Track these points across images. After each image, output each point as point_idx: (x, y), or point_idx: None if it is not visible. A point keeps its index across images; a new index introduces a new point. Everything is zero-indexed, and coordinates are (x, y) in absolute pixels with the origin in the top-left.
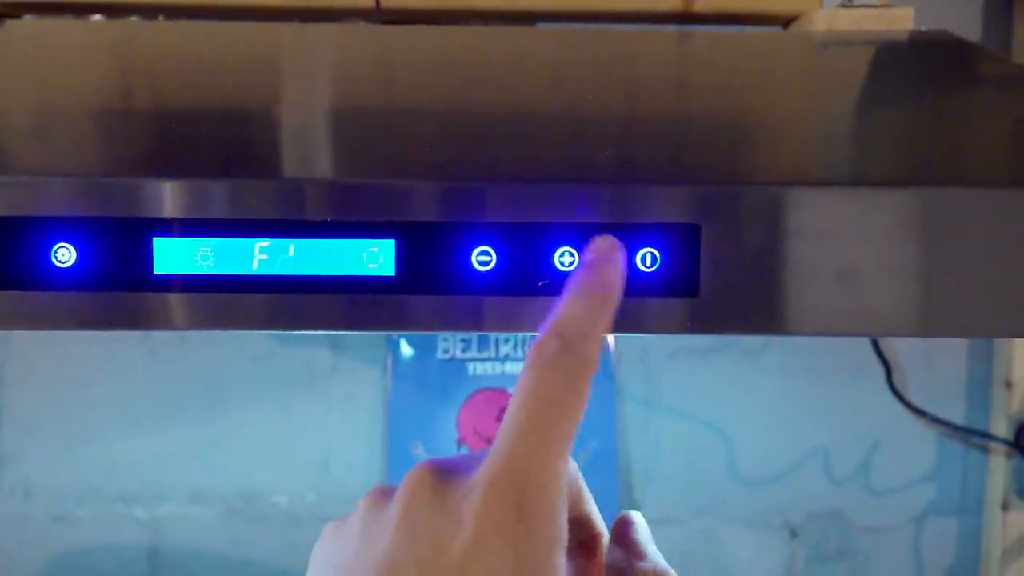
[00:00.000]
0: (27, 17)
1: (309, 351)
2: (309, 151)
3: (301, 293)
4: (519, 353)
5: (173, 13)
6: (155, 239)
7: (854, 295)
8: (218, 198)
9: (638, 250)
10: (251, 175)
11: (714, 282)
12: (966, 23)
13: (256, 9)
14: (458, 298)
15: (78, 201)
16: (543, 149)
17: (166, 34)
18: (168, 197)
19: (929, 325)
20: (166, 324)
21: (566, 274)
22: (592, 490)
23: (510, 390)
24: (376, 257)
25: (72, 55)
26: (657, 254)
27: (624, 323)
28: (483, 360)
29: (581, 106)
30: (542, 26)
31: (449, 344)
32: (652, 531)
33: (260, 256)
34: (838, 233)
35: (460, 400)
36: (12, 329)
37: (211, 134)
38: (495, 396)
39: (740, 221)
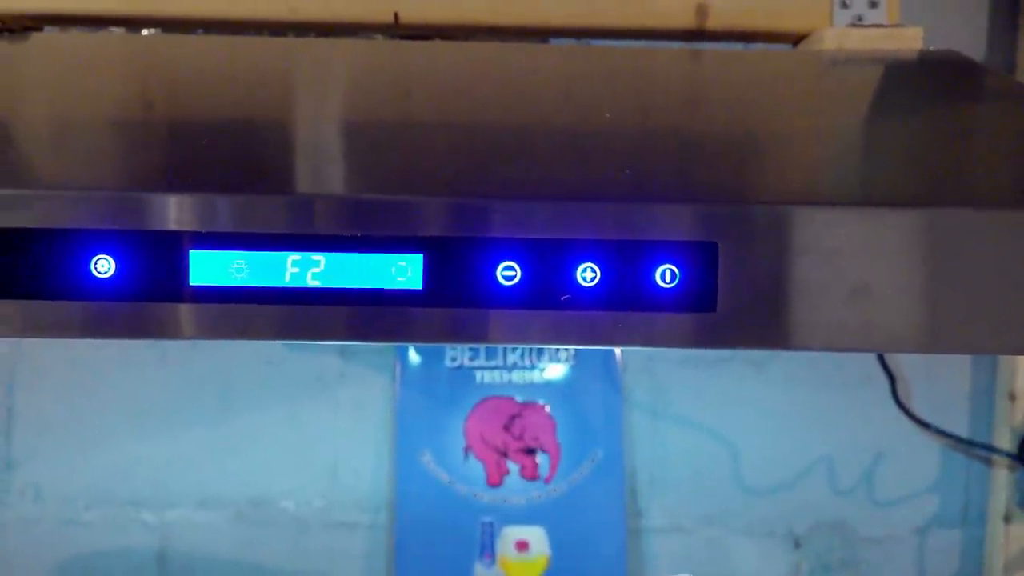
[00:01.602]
0: (48, 29)
1: (318, 357)
2: (334, 166)
3: (330, 305)
4: (526, 362)
5: (192, 26)
6: (192, 251)
7: (865, 312)
8: (251, 213)
9: (657, 266)
10: (281, 191)
11: (730, 298)
12: (973, 42)
13: (275, 23)
14: (482, 311)
15: (116, 214)
16: (561, 166)
17: (186, 47)
18: (203, 212)
19: (936, 342)
20: (200, 334)
21: (587, 289)
22: (598, 498)
23: (517, 398)
24: (404, 271)
25: (94, 68)
26: (676, 271)
27: (643, 338)
28: (491, 368)
29: (597, 122)
30: (555, 42)
31: (457, 352)
32: (657, 539)
33: (292, 269)
34: (850, 252)
35: (467, 408)
36: (52, 338)
37: (236, 149)
38: (502, 404)
39: (756, 239)
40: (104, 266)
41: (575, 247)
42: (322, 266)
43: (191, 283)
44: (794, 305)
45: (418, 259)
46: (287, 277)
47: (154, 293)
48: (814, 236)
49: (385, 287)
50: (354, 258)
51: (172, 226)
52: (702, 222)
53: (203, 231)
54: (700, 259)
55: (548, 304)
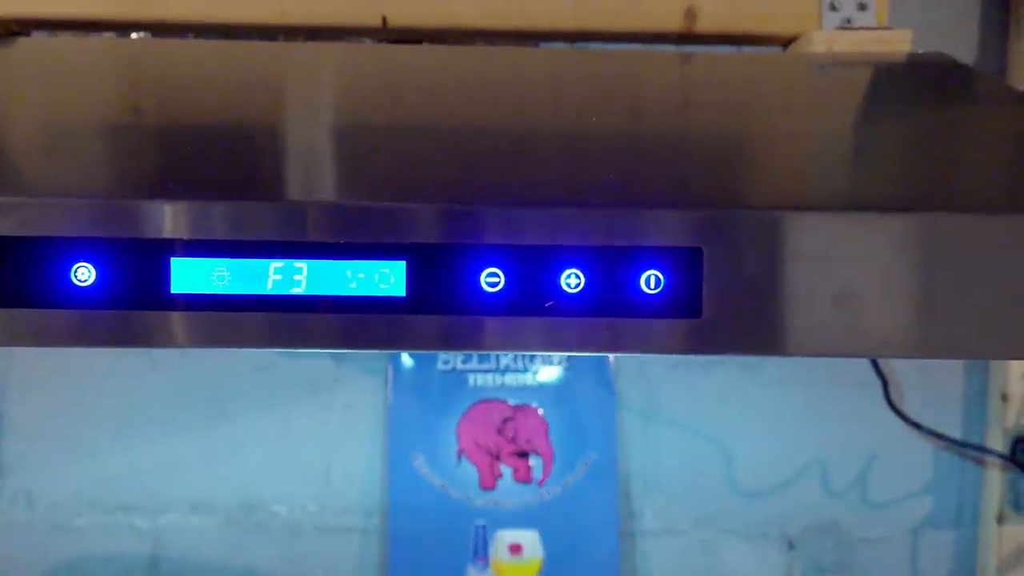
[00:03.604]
0: (37, 34)
1: (310, 362)
2: (319, 172)
3: (313, 312)
4: (519, 365)
5: (181, 30)
6: (173, 259)
7: (852, 317)
8: (234, 220)
9: (642, 273)
10: (264, 197)
11: (716, 304)
12: (963, 45)
13: (264, 28)
14: (466, 318)
15: (97, 222)
16: (548, 170)
17: (174, 52)
18: (185, 219)
19: (925, 347)
20: (182, 342)
21: (572, 295)
22: (591, 501)
23: (510, 401)
24: (387, 278)
25: (82, 73)
26: (661, 276)
27: (628, 344)
28: (483, 372)
29: (585, 126)
30: (545, 46)
31: (449, 355)
32: (651, 542)
33: (274, 276)
34: (837, 256)
35: (460, 411)
36: (32, 346)
37: (222, 153)
38: (495, 407)
39: (742, 244)
40: (84, 274)
41: (559, 253)
42: (305, 273)
43: (173, 291)
44: (781, 311)
45: (401, 266)
46: (269, 285)
47: (136, 301)
48: (800, 241)
49: (368, 294)
50: (337, 265)
51: (153, 233)
52: (686, 227)
53: (184, 238)
54: (685, 265)
55: (532, 311)
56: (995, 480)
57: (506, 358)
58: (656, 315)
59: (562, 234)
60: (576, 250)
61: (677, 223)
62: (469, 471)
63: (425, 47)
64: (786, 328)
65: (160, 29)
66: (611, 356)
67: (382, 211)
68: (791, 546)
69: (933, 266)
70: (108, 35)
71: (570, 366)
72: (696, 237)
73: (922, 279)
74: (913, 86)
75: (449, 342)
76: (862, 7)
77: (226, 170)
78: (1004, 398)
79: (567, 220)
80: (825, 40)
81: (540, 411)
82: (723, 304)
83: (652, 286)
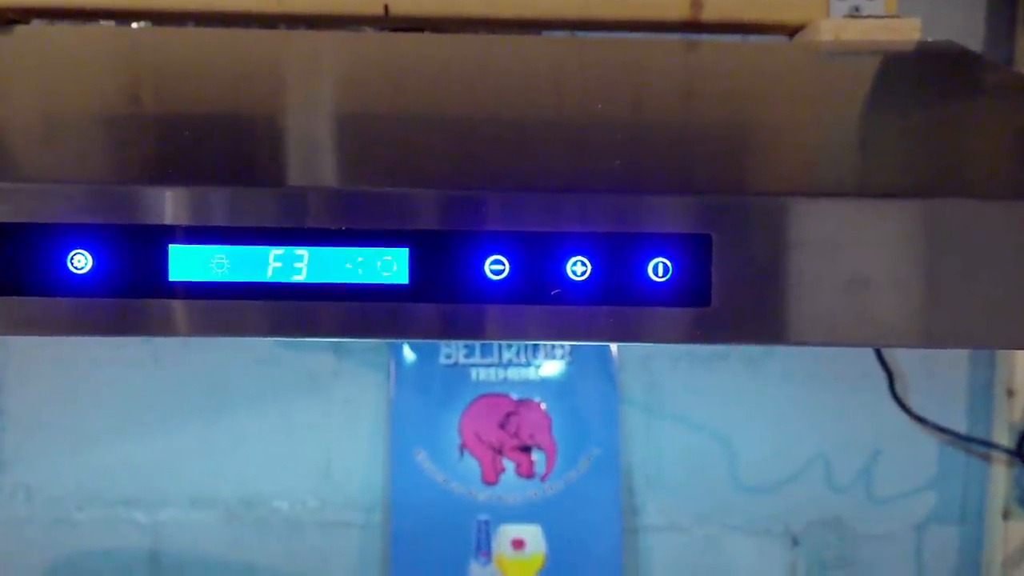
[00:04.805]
0: (36, 22)
1: (312, 356)
2: (319, 159)
3: (315, 301)
4: (522, 359)
5: (182, 19)
6: (171, 246)
7: (862, 305)
8: (233, 206)
9: (650, 260)
10: (264, 183)
11: (725, 292)
12: (970, 33)
13: (265, 16)
14: (470, 306)
15: (94, 208)
16: (553, 158)
17: (175, 40)
18: (183, 205)
19: (934, 335)
20: (180, 331)
21: (578, 283)
22: (594, 496)
23: (513, 396)
24: (390, 265)
25: (82, 61)
26: (669, 264)
27: (635, 333)
28: (486, 366)
29: (590, 114)
30: (548, 35)
31: (452, 349)
32: (654, 538)
33: (275, 264)
34: (847, 244)
35: (462, 406)
36: (27, 335)
37: (221, 141)
38: (497, 402)
39: (751, 231)
40: (81, 261)
41: (565, 240)
42: (306, 261)
43: (171, 279)
44: (790, 299)
45: (404, 253)
46: (269, 272)
47: (133, 289)
48: (810, 228)
49: (370, 282)
50: (338, 252)
51: (151, 220)
52: (695, 214)
53: (182, 225)
54: (693, 252)
55: (538, 299)
56: (1000, 475)
57: (508, 352)
58: (664, 303)
59: (568, 220)
60: (583, 237)
61: (686, 210)
62: (471, 466)
63: (427, 36)
64: (796, 316)
65: (160, 18)
66: (614, 349)
67: (385, 197)
68: (795, 542)
69: (944, 253)
70: (107, 23)
71: (573, 360)
72: (705, 224)
73: (933, 266)
74: (922, 74)
75: (453, 331)
76: None
77: (226, 158)
78: (1010, 393)
79: (573, 206)
80: (833, 28)
81: (543, 405)
82: (732, 292)
83: (660, 274)
